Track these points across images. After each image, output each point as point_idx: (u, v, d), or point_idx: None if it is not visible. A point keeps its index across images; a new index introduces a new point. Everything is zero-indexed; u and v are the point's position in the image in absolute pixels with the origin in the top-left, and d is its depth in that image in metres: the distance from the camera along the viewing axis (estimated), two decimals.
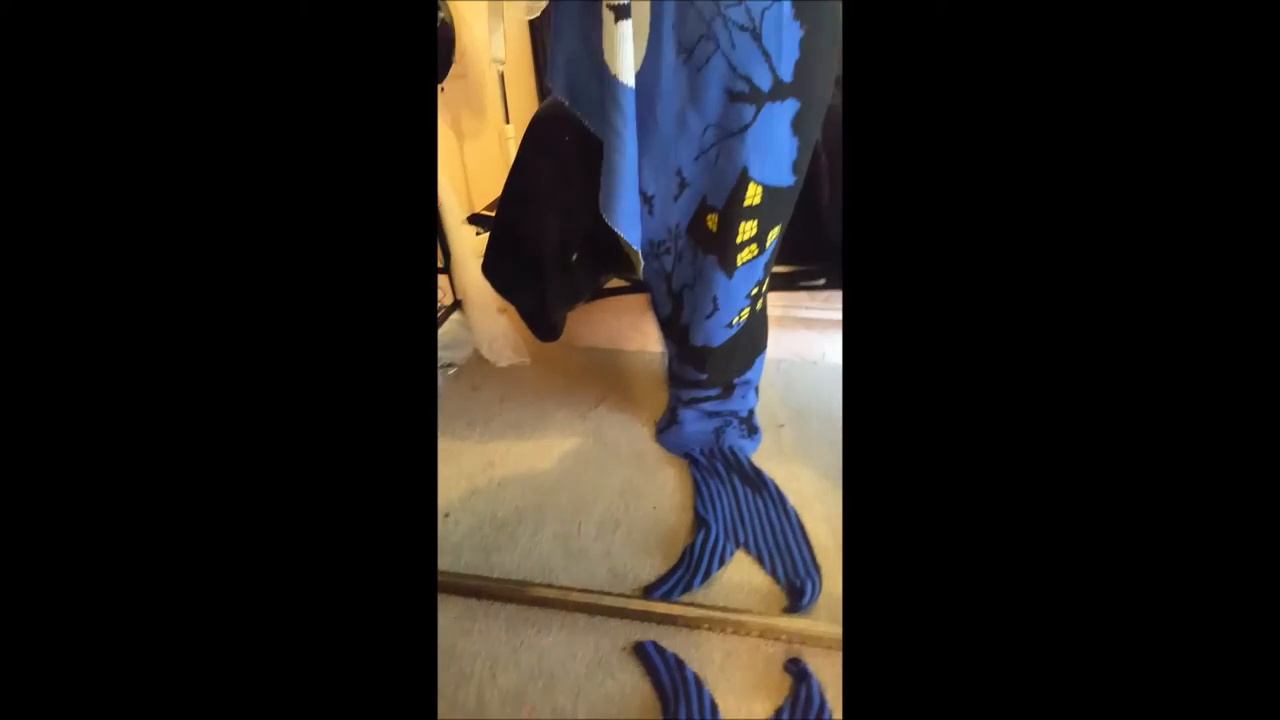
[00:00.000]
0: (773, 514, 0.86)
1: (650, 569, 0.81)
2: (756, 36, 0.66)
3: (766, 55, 0.67)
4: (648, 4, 0.67)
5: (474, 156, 1.85)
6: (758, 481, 0.91)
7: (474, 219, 1.80)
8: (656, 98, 0.71)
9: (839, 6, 0.70)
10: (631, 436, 1.06)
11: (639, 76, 0.70)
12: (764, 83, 0.68)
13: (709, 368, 0.94)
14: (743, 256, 0.81)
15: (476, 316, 1.32)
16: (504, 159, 1.81)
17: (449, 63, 1.11)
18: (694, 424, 1.00)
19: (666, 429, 1.03)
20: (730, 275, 0.82)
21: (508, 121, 1.71)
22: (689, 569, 0.78)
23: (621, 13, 0.67)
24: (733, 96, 0.69)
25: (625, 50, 0.67)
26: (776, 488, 0.90)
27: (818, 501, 0.89)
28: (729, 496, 0.89)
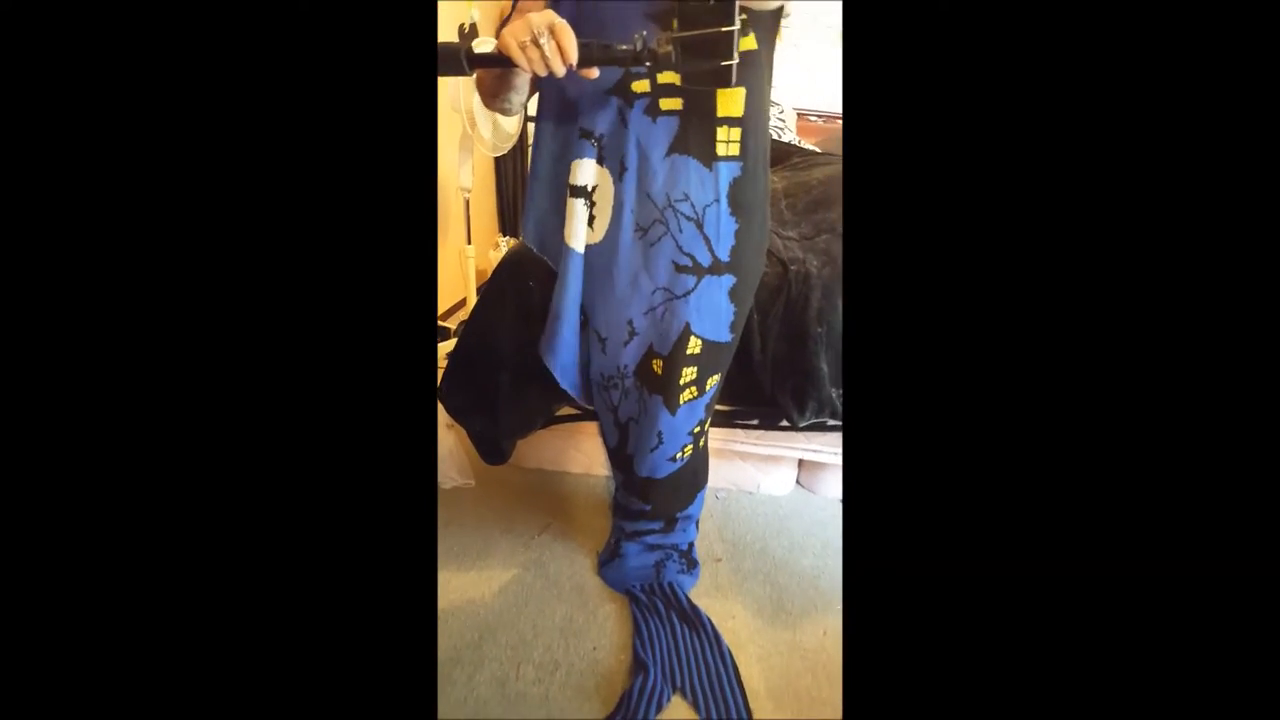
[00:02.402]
0: (709, 655, 0.89)
1: (588, 714, 0.81)
2: (699, 225, 0.80)
3: (707, 240, 0.81)
4: (612, 188, 0.79)
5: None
6: (695, 620, 0.94)
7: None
8: (614, 262, 0.82)
9: (767, 207, 0.84)
10: (574, 568, 1.07)
11: (603, 242, 0.82)
12: (704, 260, 0.81)
13: (652, 499, 0.99)
14: (684, 397, 0.89)
15: None
16: (462, 275, 1.90)
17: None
18: (636, 558, 1.03)
19: (609, 562, 1.05)
20: (674, 413, 0.90)
21: (469, 242, 1.81)
22: (626, 717, 0.79)
23: (576, 192, 0.80)
24: (679, 268, 0.82)
25: (578, 222, 0.81)
26: (713, 627, 0.93)
27: (752, 642, 0.93)
28: (667, 636, 0.91)
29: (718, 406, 1.07)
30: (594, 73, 0.64)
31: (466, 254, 1.80)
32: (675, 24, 0.60)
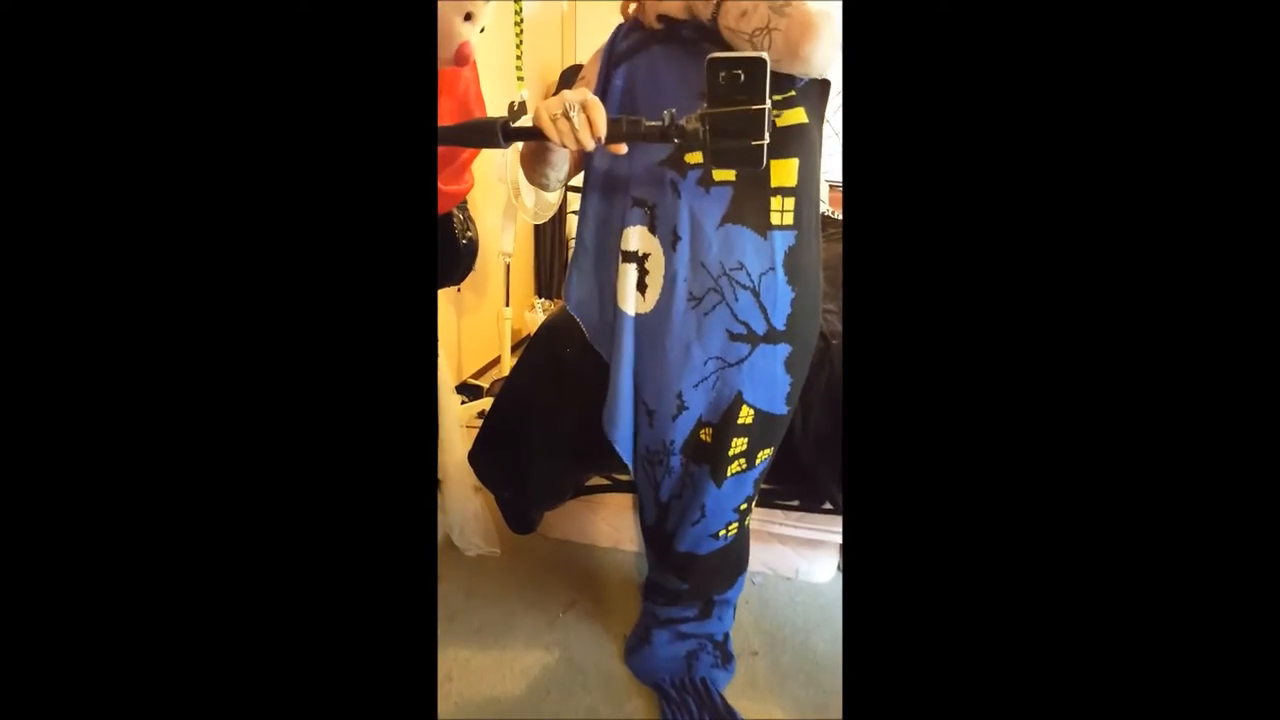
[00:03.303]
0: None
1: None
2: (755, 294, 0.78)
3: (763, 308, 0.78)
4: (663, 258, 0.79)
5: (470, 330, 1.96)
6: None
7: (462, 388, 1.85)
8: (666, 332, 0.80)
9: (820, 275, 0.83)
10: (600, 654, 1.01)
11: (653, 313, 0.80)
12: (760, 328, 0.79)
13: (691, 578, 0.93)
14: (733, 469, 0.85)
15: (453, 497, 1.31)
16: (498, 337, 1.92)
17: (469, 270, 1.23)
18: (666, 647, 0.96)
19: (637, 649, 0.99)
20: (720, 485, 0.85)
21: (507, 304, 1.83)
22: None
23: (628, 257, 0.80)
24: (733, 336, 0.79)
25: (630, 285, 0.80)
26: None
27: None
28: None
29: None
30: (622, 148, 0.66)
31: (504, 315, 1.83)
32: (704, 101, 0.58)
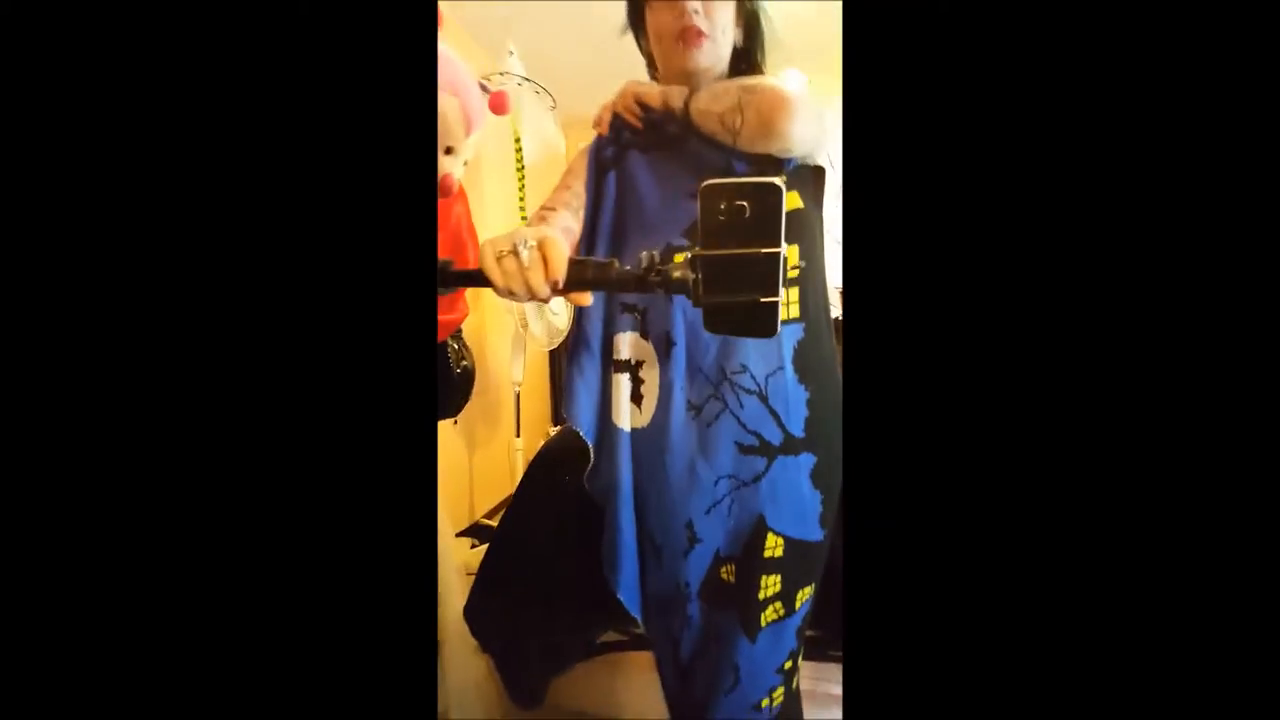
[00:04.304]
0: None
1: None
2: (763, 398, 0.67)
3: (775, 414, 0.67)
4: (657, 366, 0.70)
5: (482, 464, 1.87)
6: None
7: (473, 529, 1.73)
8: (666, 449, 0.69)
9: (838, 372, 0.72)
10: None
11: (650, 427, 0.70)
12: (774, 438, 0.68)
13: None
14: (767, 616, 0.69)
15: (453, 661, 1.14)
16: (510, 469, 1.82)
17: (466, 401, 1.17)
18: None
19: None
20: (753, 639, 0.68)
21: (518, 435, 1.76)
22: None
23: (620, 367, 0.71)
24: (743, 449, 0.68)
25: (624, 398, 0.70)
26: None
27: None
28: None
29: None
30: (587, 298, 0.55)
31: (515, 447, 1.74)
32: (698, 236, 0.45)
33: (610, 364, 0.73)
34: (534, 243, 0.49)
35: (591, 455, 0.73)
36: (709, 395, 0.68)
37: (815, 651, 0.93)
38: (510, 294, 0.50)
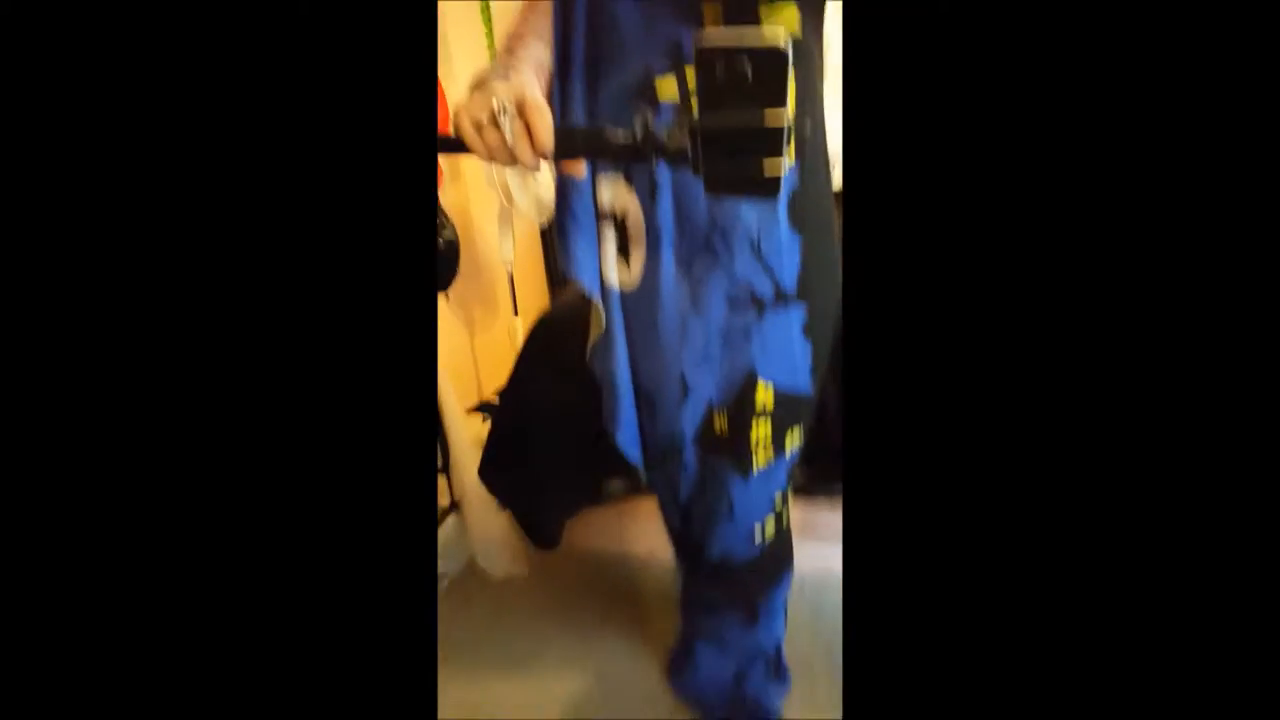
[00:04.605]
0: None
1: None
2: (756, 250, 0.66)
3: (767, 267, 0.66)
4: (642, 216, 0.67)
5: (484, 348, 1.90)
6: None
7: (482, 407, 1.79)
8: (657, 305, 0.69)
9: (836, 222, 0.71)
10: (639, 675, 0.91)
11: (641, 284, 0.69)
12: (765, 291, 0.67)
13: (730, 586, 0.82)
14: (759, 459, 0.74)
15: (475, 520, 1.24)
16: (512, 348, 1.85)
17: (454, 274, 1.17)
18: (711, 665, 0.86)
19: (680, 669, 0.88)
20: (746, 477, 0.74)
21: (516, 314, 1.77)
22: None
23: (604, 217, 0.68)
24: (734, 304, 0.67)
25: (610, 255, 0.68)
26: None
27: None
28: None
29: None
30: (581, 167, 0.52)
31: (515, 327, 1.76)
32: (694, 103, 0.42)
33: (594, 215, 0.69)
34: (513, 108, 0.46)
35: (601, 312, 0.71)
36: (699, 248, 0.66)
37: (806, 490, 1.01)
38: (492, 163, 0.48)
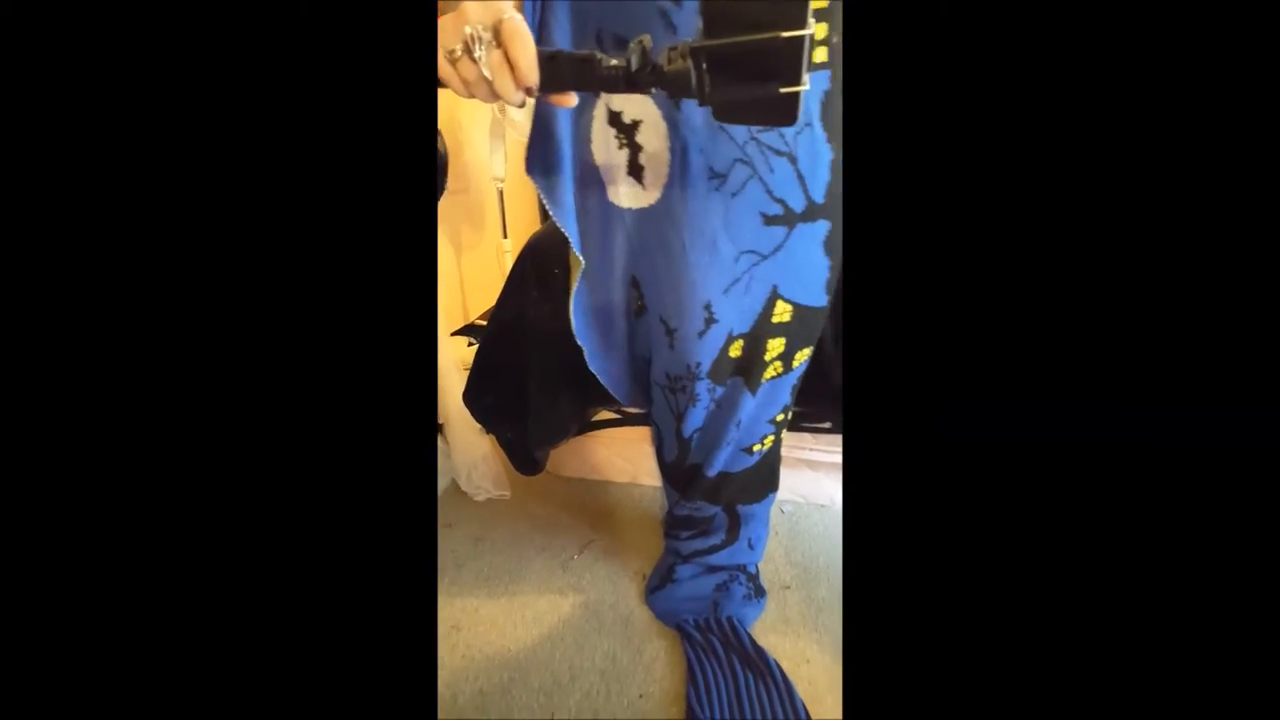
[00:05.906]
0: (778, 708, 0.73)
1: None
2: (793, 160, 0.61)
3: (801, 178, 0.62)
4: (664, 125, 0.61)
5: (471, 268, 1.84)
6: (760, 665, 0.78)
7: (468, 329, 1.76)
8: (684, 225, 0.64)
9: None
10: (618, 595, 0.94)
11: (661, 201, 0.64)
12: (798, 204, 0.63)
13: (721, 498, 0.83)
14: (768, 374, 0.73)
15: (457, 441, 1.24)
16: (500, 271, 1.80)
17: (442, 188, 1.11)
18: (691, 583, 0.88)
19: (659, 588, 0.91)
20: (754, 392, 0.73)
21: (505, 236, 1.71)
22: None
23: (614, 120, 0.62)
24: (768, 220, 0.64)
25: (620, 167, 0.63)
26: (783, 673, 0.77)
27: (830, 693, 0.76)
28: (727, 684, 0.76)
29: None
30: (571, 98, 0.46)
31: (503, 249, 1.70)
32: (700, 25, 0.38)
33: (593, 124, 0.64)
34: (489, 35, 0.40)
35: (580, 260, 0.67)
36: (734, 159, 0.60)
37: (795, 423, 1.01)
38: (471, 97, 0.43)
